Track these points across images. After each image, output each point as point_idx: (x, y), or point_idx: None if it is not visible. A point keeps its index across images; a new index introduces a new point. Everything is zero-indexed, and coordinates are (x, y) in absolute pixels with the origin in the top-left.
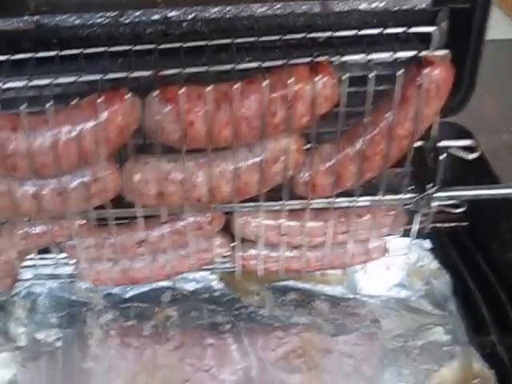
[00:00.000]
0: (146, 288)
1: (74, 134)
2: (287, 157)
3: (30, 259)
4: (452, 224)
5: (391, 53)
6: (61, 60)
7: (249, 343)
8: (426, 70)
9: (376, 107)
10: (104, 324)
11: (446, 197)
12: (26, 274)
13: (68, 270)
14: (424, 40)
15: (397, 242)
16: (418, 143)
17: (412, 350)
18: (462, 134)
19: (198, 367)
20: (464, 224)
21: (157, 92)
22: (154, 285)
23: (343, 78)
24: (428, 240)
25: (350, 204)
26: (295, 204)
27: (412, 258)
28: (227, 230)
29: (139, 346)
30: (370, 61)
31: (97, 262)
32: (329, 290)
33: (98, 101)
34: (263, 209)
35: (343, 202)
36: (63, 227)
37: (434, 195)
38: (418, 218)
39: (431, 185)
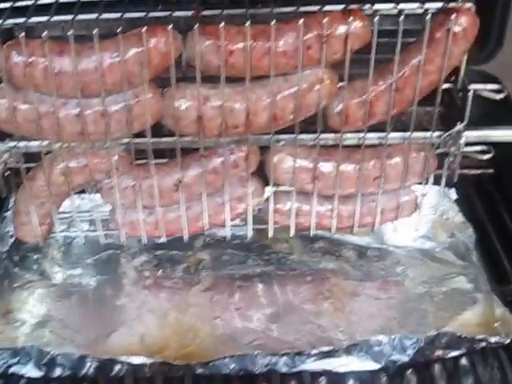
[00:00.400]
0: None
1: (118, 58)
2: (321, 86)
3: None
4: (479, 171)
5: (420, 4)
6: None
7: (277, 286)
8: (453, 16)
9: (407, 48)
10: (138, 265)
11: (474, 136)
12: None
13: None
14: None
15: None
16: (447, 85)
17: (436, 295)
18: (490, 79)
19: (228, 307)
20: (490, 171)
21: (198, 25)
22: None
23: (375, 19)
24: (453, 190)
25: (381, 140)
26: (329, 138)
27: (438, 211)
28: (261, 177)
29: (171, 286)
30: (400, 11)
31: (132, 211)
32: (356, 239)
33: (143, 30)
34: (298, 142)
35: (374, 138)
36: (102, 160)
37: (462, 134)
38: (448, 159)
39: (459, 122)
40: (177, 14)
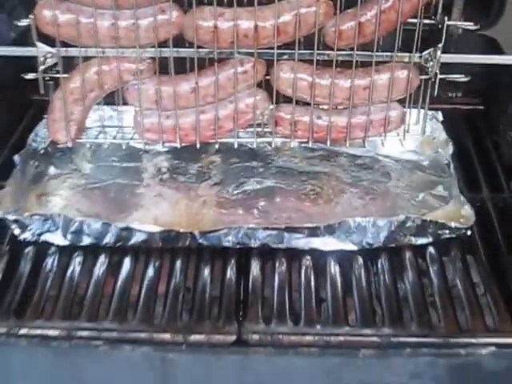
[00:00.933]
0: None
1: None
2: (317, 7)
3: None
4: (469, 107)
5: None
6: None
7: (275, 181)
8: None
9: None
10: (157, 163)
11: (448, 57)
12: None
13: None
14: None
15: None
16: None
17: (414, 198)
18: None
19: (231, 198)
20: (480, 108)
21: None
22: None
23: None
24: (440, 113)
25: (370, 58)
26: (325, 53)
27: (427, 131)
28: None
29: (185, 181)
30: None
31: (152, 114)
32: (351, 150)
33: None
34: (299, 56)
35: (364, 55)
36: (131, 64)
37: (438, 53)
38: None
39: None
40: None
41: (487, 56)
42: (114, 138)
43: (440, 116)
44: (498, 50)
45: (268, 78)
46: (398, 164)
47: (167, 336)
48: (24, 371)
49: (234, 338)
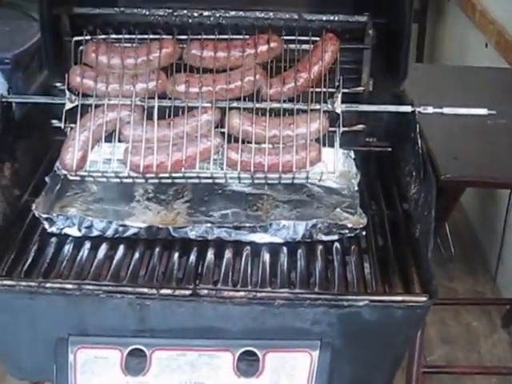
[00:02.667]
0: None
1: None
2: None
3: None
4: (378, 149)
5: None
6: None
7: (229, 199)
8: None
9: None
10: (144, 187)
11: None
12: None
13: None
14: None
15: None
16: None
17: (329, 212)
18: None
19: (200, 209)
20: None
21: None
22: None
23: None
24: (352, 151)
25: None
26: (262, 106)
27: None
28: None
29: (165, 199)
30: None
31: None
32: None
33: None
34: (242, 106)
35: (289, 105)
36: (126, 113)
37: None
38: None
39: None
40: None
41: (382, 106)
42: (104, 173)
43: (352, 154)
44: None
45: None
46: (320, 189)
47: (145, 289)
48: (47, 313)
49: (190, 292)
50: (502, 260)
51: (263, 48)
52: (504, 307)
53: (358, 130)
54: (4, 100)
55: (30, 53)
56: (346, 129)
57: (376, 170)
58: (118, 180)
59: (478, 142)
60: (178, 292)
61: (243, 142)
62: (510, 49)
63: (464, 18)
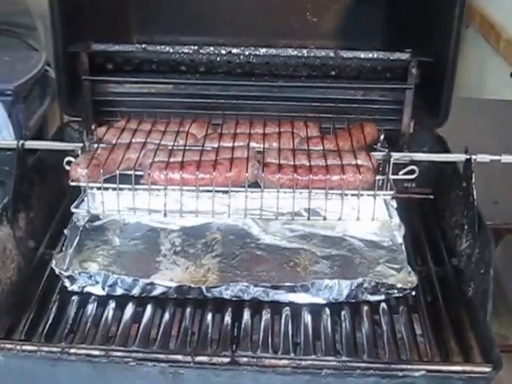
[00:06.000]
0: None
1: None
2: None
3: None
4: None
5: None
6: None
7: (264, 253)
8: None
9: None
10: (171, 238)
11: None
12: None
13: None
14: None
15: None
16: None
17: (373, 268)
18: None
19: (230, 263)
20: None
21: None
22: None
23: None
24: (394, 200)
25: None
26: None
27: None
28: None
29: (194, 252)
30: None
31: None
32: (324, 231)
33: None
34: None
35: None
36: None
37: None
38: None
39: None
40: None
41: (433, 154)
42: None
43: (394, 203)
44: (444, 145)
45: None
46: (361, 243)
47: (179, 357)
48: (70, 382)
49: (228, 359)
50: None
51: None
52: None
53: (409, 178)
54: (21, 147)
55: (30, 84)
56: (395, 176)
57: (418, 220)
58: (140, 229)
59: None
60: (215, 359)
61: None
62: None
63: (485, 46)
